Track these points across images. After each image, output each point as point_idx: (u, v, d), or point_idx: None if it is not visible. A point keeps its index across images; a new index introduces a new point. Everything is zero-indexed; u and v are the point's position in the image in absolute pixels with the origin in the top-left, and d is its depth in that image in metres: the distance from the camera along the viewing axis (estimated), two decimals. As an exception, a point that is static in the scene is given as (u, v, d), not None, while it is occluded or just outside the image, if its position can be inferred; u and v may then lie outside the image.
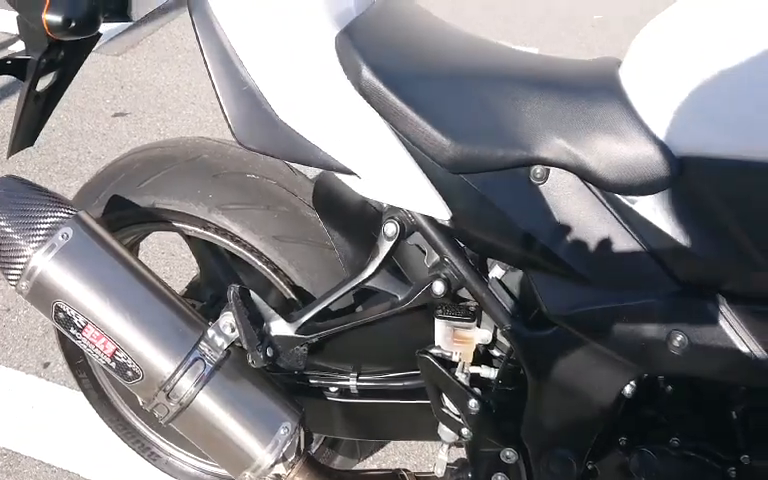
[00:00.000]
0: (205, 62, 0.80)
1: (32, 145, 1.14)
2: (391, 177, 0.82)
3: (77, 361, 1.29)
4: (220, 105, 0.80)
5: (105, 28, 0.98)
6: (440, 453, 1.02)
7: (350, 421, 1.06)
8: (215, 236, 1.05)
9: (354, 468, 1.31)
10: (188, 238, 1.14)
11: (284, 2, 0.80)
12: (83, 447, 1.47)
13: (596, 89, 0.78)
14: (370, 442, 1.35)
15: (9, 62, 1.01)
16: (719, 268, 0.76)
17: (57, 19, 0.82)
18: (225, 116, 0.80)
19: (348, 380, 1.03)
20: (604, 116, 0.75)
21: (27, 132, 1.11)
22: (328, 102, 0.80)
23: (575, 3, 3.44)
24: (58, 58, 1.04)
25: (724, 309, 0.76)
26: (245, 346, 0.88)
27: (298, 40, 0.80)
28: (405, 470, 1.10)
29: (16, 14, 0.99)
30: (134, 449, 1.37)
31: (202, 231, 1.05)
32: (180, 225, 1.06)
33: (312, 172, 1.04)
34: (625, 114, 0.75)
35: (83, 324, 0.85)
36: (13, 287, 0.86)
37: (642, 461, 0.88)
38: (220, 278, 1.18)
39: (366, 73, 0.78)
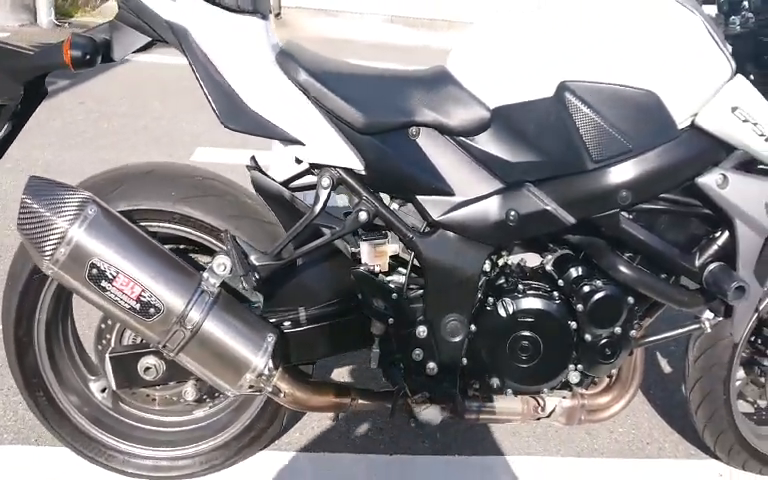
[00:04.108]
0: (195, 75, 1.17)
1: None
2: (324, 143, 1.25)
3: (33, 380, 1.43)
4: (209, 101, 1.17)
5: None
6: (373, 348, 1.40)
7: (301, 347, 1.39)
8: (179, 226, 1.35)
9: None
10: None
11: (240, 38, 1.20)
12: None
13: (438, 78, 1.31)
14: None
15: (-17, 109, 1.25)
16: (525, 168, 1.30)
17: (78, 53, 1.13)
18: (213, 109, 1.17)
19: (299, 313, 1.37)
20: (446, 91, 1.28)
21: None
22: (279, 96, 1.22)
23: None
24: (17, 109, 1.30)
25: (535, 190, 1.29)
26: (239, 271, 1.20)
27: (253, 60, 1.21)
28: (348, 383, 1.46)
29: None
30: (89, 458, 1.51)
31: (167, 224, 1.34)
32: (147, 223, 1.33)
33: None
34: (457, 89, 1.28)
35: (114, 275, 1.11)
36: (47, 260, 1.09)
37: (505, 307, 1.37)
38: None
39: (304, 75, 1.22)
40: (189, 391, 1.40)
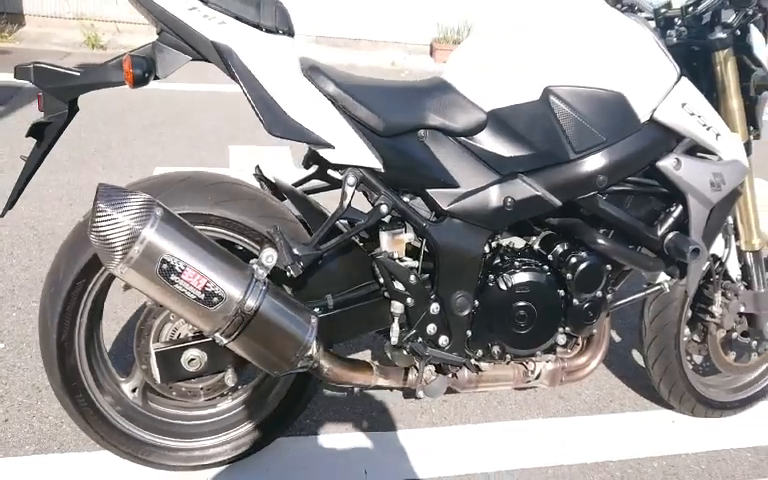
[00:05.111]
0: (242, 88, 1.31)
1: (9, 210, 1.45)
2: (350, 146, 1.43)
3: (72, 383, 1.50)
4: (255, 112, 1.32)
5: None
6: (393, 326, 1.58)
7: (329, 331, 1.55)
8: (215, 228, 1.47)
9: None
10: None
11: (277, 55, 1.36)
12: None
13: (440, 87, 1.52)
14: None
15: (34, 127, 1.35)
16: (518, 161, 1.52)
17: (139, 72, 1.25)
18: (260, 118, 1.32)
19: (327, 300, 1.53)
20: (448, 98, 1.49)
21: (14, 195, 1.42)
22: (313, 106, 1.39)
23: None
24: (62, 122, 1.40)
25: (526, 179, 1.52)
26: (287, 260, 1.35)
27: (289, 74, 1.37)
28: (371, 361, 1.64)
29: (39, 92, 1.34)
30: (127, 456, 1.58)
31: (203, 226, 1.46)
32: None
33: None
34: (456, 96, 1.50)
35: (183, 268, 1.23)
36: (119, 258, 1.20)
37: (504, 282, 1.59)
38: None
39: (333, 87, 1.40)
40: (230, 377, 1.52)
